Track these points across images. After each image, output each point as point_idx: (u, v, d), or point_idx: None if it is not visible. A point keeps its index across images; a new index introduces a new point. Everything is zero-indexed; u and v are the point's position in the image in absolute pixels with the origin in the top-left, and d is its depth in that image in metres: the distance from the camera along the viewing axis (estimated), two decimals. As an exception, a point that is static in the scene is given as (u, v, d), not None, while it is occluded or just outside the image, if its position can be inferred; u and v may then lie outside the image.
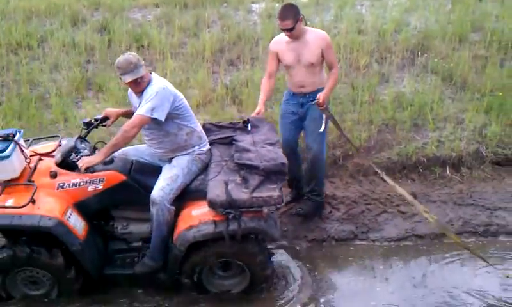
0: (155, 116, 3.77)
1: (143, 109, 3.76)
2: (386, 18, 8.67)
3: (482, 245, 4.93)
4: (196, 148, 4.11)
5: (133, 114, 4.13)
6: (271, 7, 9.33)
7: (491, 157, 5.97)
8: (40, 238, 3.80)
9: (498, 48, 7.67)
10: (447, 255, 4.78)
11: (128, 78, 3.76)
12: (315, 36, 4.62)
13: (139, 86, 3.85)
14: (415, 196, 5.50)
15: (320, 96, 4.45)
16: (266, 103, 4.93)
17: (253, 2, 9.90)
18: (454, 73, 7.13)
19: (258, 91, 6.69)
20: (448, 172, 5.88)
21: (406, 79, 7.20)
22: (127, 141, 3.88)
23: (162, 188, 3.86)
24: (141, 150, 4.34)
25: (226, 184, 3.79)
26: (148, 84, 3.87)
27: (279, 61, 4.80)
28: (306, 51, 4.59)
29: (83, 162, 3.78)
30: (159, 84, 3.87)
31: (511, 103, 6.38)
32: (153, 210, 3.86)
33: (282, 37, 4.69)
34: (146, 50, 8.05)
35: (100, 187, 3.93)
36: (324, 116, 4.61)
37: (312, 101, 4.54)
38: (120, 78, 3.87)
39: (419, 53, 7.65)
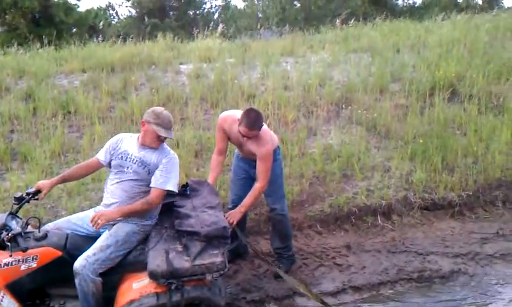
0: (176, 189, 3.98)
1: (170, 183, 3.92)
2: (310, 74, 8.95)
3: (417, 291, 4.99)
4: (148, 220, 4.03)
5: (65, 179, 4.22)
6: (199, 67, 9.47)
7: (419, 202, 6.19)
8: None
9: (417, 97, 8.06)
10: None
11: (165, 134, 3.88)
12: (259, 144, 4.43)
13: (160, 142, 3.96)
14: (349, 247, 5.60)
15: (231, 215, 4.34)
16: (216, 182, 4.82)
17: (181, 64, 10.01)
18: (378, 123, 7.42)
19: (189, 152, 6.75)
20: (379, 220, 6.03)
21: (332, 131, 7.41)
22: (146, 211, 3.95)
23: (87, 257, 3.68)
24: (73, 221, 4.14)
25: (167, 253, 3.67)
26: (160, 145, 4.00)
27: (228, 138, 4.68)
28: (254, 145, 4.49)
29: (101, 218, 3.71)
30: (172, 151, 4.08)
31: (433, 149, 6.66)
32: (76, 280, 3.67)
33: (233, 117, 4.54)
34: (73, 117, 7.89)
35: (34, 265, 3.71)
36: None
37: None
38: (146, 124, 3.94)
39: (343, 105, 7.93)
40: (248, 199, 4.51)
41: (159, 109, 4.00)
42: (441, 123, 7.30)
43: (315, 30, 13.16)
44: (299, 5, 29.92)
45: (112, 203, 3.98)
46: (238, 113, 4.49)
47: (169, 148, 4.09)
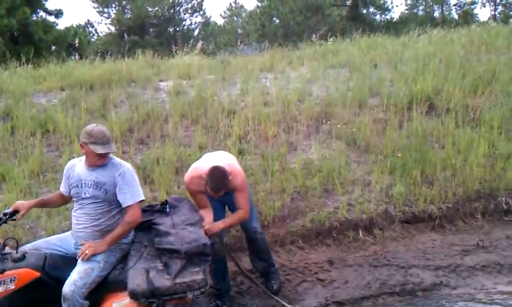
0: (143, 196, 4.01)
1: (137, 194, 3.95)
2: (290, 89, 9.00)
3: (400, 305, 5.01)
4: (123, 238, 4.02)
5: (44, 204, 4.37)
6: (179, 84, 9.47)
7: (399, 216, 6.23)
8: None
9: (395, 111, 8.13)
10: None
11: (102, 150, 3.82)
12: (231, 179, 4.35)
13: (103, 159, 3.90)
14: (331, 262, 5.61)
15: (210, 227, 4.21)
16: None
17: (161, 81, 9.99)
18: (357, 137, 7.47)
19: (169, 169, 6.72)
20: (361, 234, 6.04)
21: (313, 146, 7.44)
22: (129, 230, 4.02)
23: (74, 282, 3.67)
24: (52, 242, 4.13)
25: (147, 272, 3.65)
26: (109, 160, 3.99)
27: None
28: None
29: (90, 249, 3.76)
30: (123, 162, 4.07)
31: (412, 162, 6.72)
32: (64, 306, 3.64)
33: (198, 174, 4.41)
34: (52, 135, 7.82)
35: (12, 287, 3.66)
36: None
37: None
38: (84, 146, 3.89)
39: (323, 120, 7.98)
40: (230, 219, 4.54)
41: (91, 126, 3.96)
42: (419, 136, 7.36)
43: (294, 46, 13.28)
44: (278, 21, 30.16)
45: (79, 229, 3.99)
46: (200, 166, 4.46)
47: (119, 161, 4.08)
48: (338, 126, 7.72)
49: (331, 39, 13.11)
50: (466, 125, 7.78)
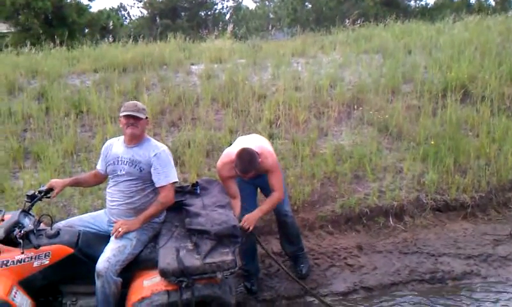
0: (177, 178, 4.06)
1: (171, 175, 4.00)
2: (322, 75, 8.93)
3: (430, 292, 4.97)
4: (155, 217, 4.08)
5: (77, 183, 4.43)
6: (210, 68, 9.49)
7: (431, 203, 6.14)
8: None
9: (429, 98, 8.00)
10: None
11: (125, 113, 3.91)
12: (263, 161, 4.36)
13: (136, 132, 3.97)
14: (360, 247, 5.60)
15: (248, 221, 4.23)
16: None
17: (192, 64, 10.04)
18: (390, 123, 7.37)
19: (200, 152, 6.76)
20: (391, 221, 6.00)
21: (344, 132, 7.39)
22: (162, 211, 4.10)
23: (108, 259, 3.73)
24: (85, 219, 4.23)
25: (178, 251, 3.69)
26: (146, 140, 4.08)
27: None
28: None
29: (123, 227, 3.84)
30: (160, 143, 4.14)
31: (445, 150, 6.62)
32: (98, 282, 3.71)
33: (229, 160, 4.38)
34: (86, 116, 7.96)
35: (47, 262, 3.76)
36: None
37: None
38: (121, 119, 4.00)
39: (355, 106, 7.90)
40: (265, 206, 4.52)
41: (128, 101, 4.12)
42: (453, 124, 7.24)
43: (327, 31, 13.14)
44: (310, 6, 29.88)
45: (113, 206, 4.07)
46: (232, 151, 4.43)
47: (156, 142, 4.14)
48: (370, 112, 7.64)
49: (364, 24, 12.91)
50: (502, 113, 7.61)
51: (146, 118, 4.07)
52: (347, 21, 12.79)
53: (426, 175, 6.39)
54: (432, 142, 6.78)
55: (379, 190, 6.23)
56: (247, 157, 4.23)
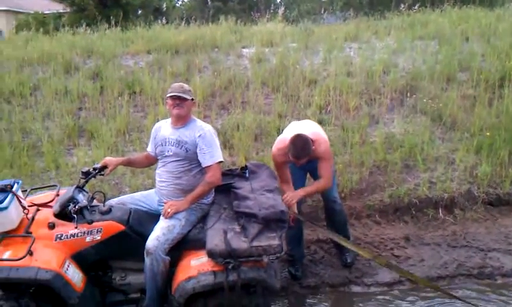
0: (222, 158, 4.09)
1: (217, 155, 4.04)
2: (375, 60, 8.77)
3: (477, 288, 4.87)
4: (204, 198, 4.15)
5: (130, 163, 4.54)
6: (261, 52, 9.47)
7: (483, 197, 5.97)
8: (43, 290, 3.72)
9: (485, 88, 7.73)
10: (441, 299, 4.68)
11: (171, 94, 3.99)
12: (316, 147, 4.35)
13: (182, 113, 4.03)
14: (408, 238, 5.51)
15: (290, 195, 4.28)
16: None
17: (243, 47, 10.05)
18: (443, 113, 7.18)
19: (249, 135, 6.80)
20: (441, 213, 5.87)
21: (395, 120, 7.25)
22: (210, 191, 4.16)
23: (157, 238, 3.82)
24: (136, 198, 4.34)
25: (225, 233, 3.73)
26: (192, 121, 4.13)
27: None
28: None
29: (172, 207, 3.93)
30: (205, 124, 4.18)
31: (500, 142, 6.40)
32: (147, 260, 3.81)
33: (284, 146, 4.39)
34: (138, 96, 8.13)
35: (98, 238, 3.87)
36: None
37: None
38: (168, 100, 4.08)
39: (408, 94, 7.73)
40: (310, 187, 4.53)
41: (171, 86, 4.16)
42: (510, 115, 6.96)
43: (380, 15, 12.87)
44: (364, -11, 29.25)
45: (162, 186, 4.14)
46: (286, 137, 4.41)
47: (201, 123, 4.17)
48: (424, 100, 7.45)
49: (420, 9, 12.56)
50: None
51: (192, 99, 4.11)
52: (403, 6, 12.47)
53: (479, 167, 6.20)
54: (488, 134, 6.57)
55: (429, 181, 6.10)
56: (300, 143, 4.23)
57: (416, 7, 12.63)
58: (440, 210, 5.90)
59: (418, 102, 7.52)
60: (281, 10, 13.81)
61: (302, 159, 4.25)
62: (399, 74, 8.30)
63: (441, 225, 5.77)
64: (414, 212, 5.89)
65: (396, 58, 8.99)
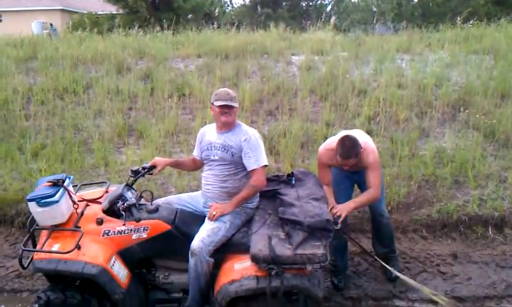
0: (266, 162, 4.09)
1: (261, 159, 4.03)
2: (427, 73, 8.61)
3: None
4: (249, 203, 4.16)
5: (177, 165, 4.60)
6: (310, 59, 9.46)
7: (535, 217, 5.76)
8: (87, 284, 3.81)
9: (542, 105, 7.48)
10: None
11: (220, 102, 3.98)
12: (364, 155, 4.30)
13: (229, 120, 4.04)
14: (455, 256, 5.37)
15: (340, 208, 4.16)
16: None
17: (293, 55, 10.05)
18: (497, 129, 6.98)
19: (295, 142, 6.77)
20: (490, 232, 5.69)
21: (446, 135, 7.09)
22: (254, 194, 4.15)
23: (202, 239, 3.84)
24: (183, 199, 4.39)
25: (270, 239, 3.72)
26: (237, 125, 4.14)
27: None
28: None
29: (217, 210, 3.97)
30: (250, 128, 4.19)
31: (555, 162, 6.18)
32: (191, 260, 3.83)
33: (332, 148, 4.35)
34: (188, 99, 8.23)
35: (144, 236, 3.93)
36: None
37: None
38: (212, 106, 4.09)
39: (460, 108, 7.54)
40: (360, 198, 4.41)
41: (219, 89, 4.14)
42: None
43: (434, 28, 12.63)
44: (416, 1, 28.83)
45: (208, 189, 4.17)
46: (335, 139, 4.38)
47: (246, 127, 4.17)
48: (477, 116, 7.27)
49: (476, 23, 12.26)
50: None
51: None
52: (458, 19, 12.20)
53: (532, 187, 6.00)
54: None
55: (479, 198, 5.93)
56: (349, 142, 4.19)
57: (471, 21, 12.33)
58: (490, 229, 5.72)
59: (471, 117, 7.33)
60: (333, 19, 13.74)
61: (350, 159, 4.20)
62: (451, 88, 8.12)
63: (491, 244, 5.59)
64: (462, 229, 5.73)
65: (449, 72, 8.80)
